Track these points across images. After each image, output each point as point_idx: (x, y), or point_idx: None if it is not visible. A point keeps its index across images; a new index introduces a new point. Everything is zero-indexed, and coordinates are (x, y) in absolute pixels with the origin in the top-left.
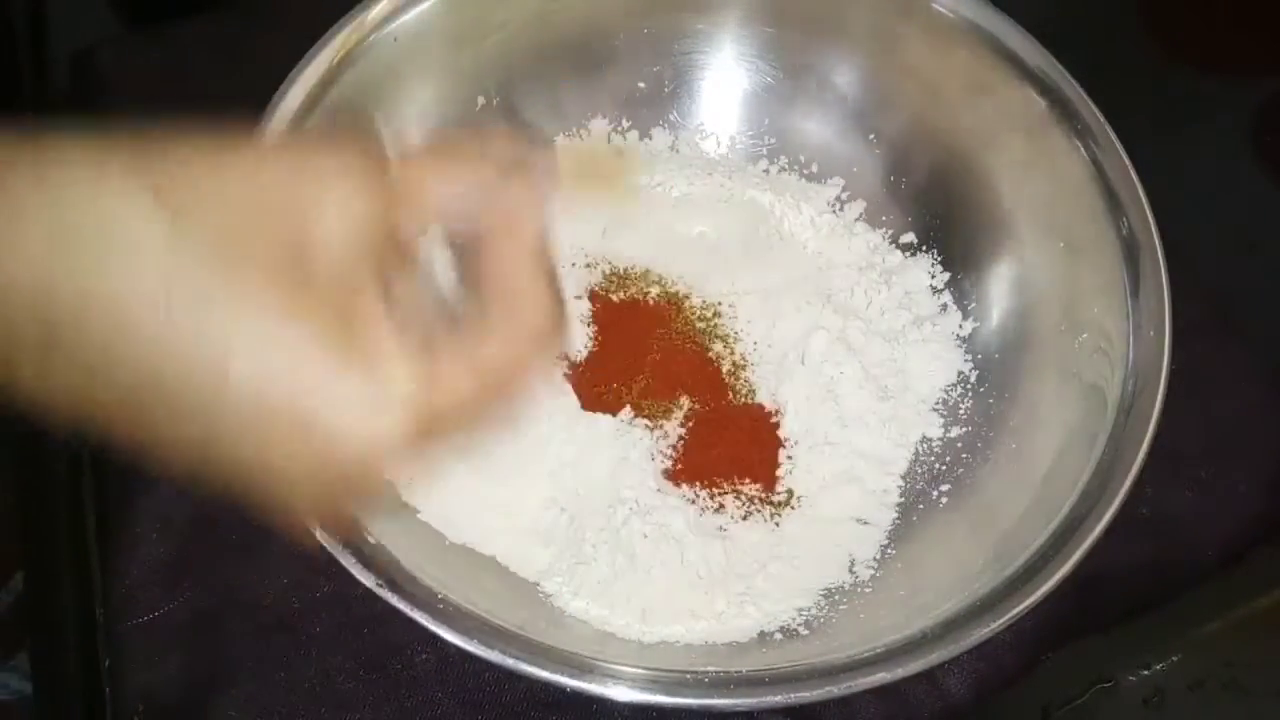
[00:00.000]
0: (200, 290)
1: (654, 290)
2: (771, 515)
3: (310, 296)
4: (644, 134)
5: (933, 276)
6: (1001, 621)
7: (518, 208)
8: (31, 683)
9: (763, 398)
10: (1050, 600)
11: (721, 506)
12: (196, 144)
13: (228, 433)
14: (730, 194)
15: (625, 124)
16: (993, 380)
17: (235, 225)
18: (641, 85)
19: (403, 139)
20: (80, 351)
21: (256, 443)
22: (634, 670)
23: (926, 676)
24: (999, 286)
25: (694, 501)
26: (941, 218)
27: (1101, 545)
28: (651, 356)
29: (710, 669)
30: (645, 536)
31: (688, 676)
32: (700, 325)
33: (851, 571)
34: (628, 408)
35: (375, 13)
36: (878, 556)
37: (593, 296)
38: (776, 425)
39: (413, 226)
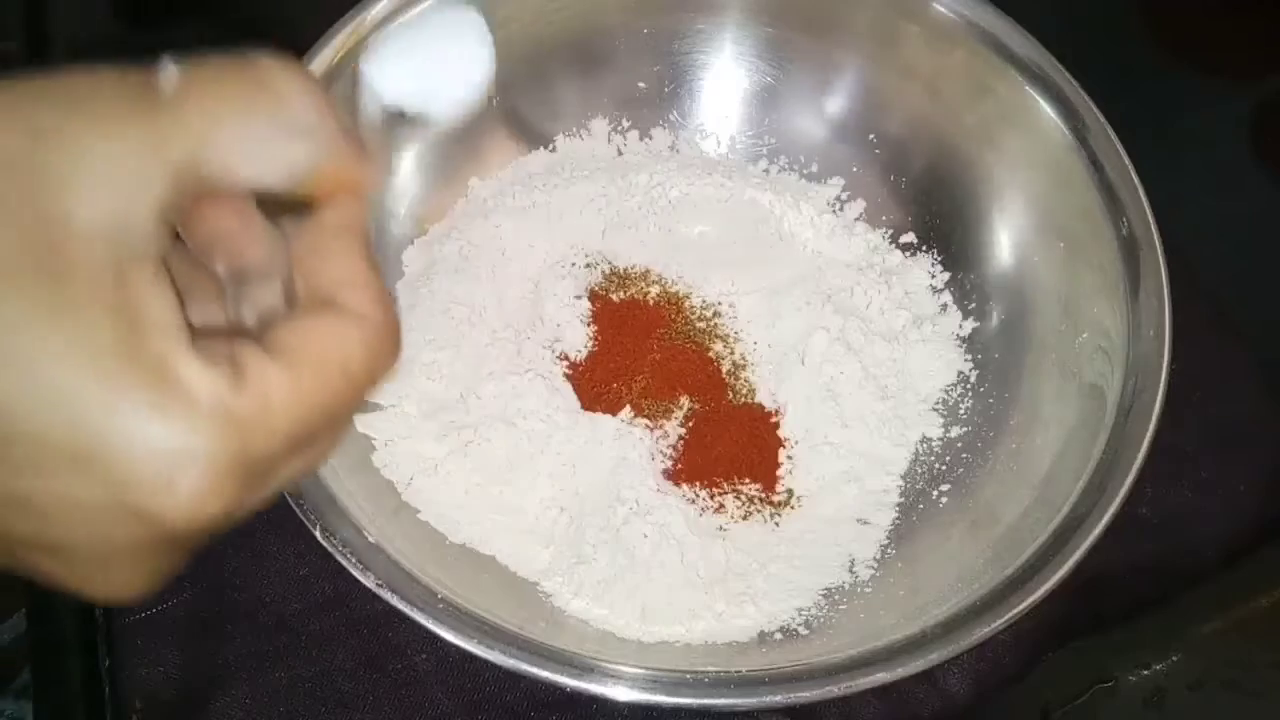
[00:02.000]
0: None
1: (654, 290)
2: (771, 515)
3: (72, 288)
4: (644, 134)
5: (933, 276)
6: (1001, 621)
7: (356, 172)
8: (31, 684)
9: (763, 398)
10: (1050, 600)
11: (721, 506)
12: None
13: None
14: (730, 194)
15: (625, 124)
16: (993, 380)
17: None
18: (641, 85)
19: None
20: None
21: (17, 495)
22: (634, 670)
23: (926, 676)
24: (999, 286)
25: (694, 501)
26: (941, 217)
27: (1101, 545)
28: (651, 356)
29: (710, 669)
30: (645, 536)
31: (688, 676)
32: (700, 325)
33: (851, 571)
34: (628, 408)
35: (375, 13)
36: (878, 556)
37: (593, 296)
38: (776, 425)
39: (203, 186)
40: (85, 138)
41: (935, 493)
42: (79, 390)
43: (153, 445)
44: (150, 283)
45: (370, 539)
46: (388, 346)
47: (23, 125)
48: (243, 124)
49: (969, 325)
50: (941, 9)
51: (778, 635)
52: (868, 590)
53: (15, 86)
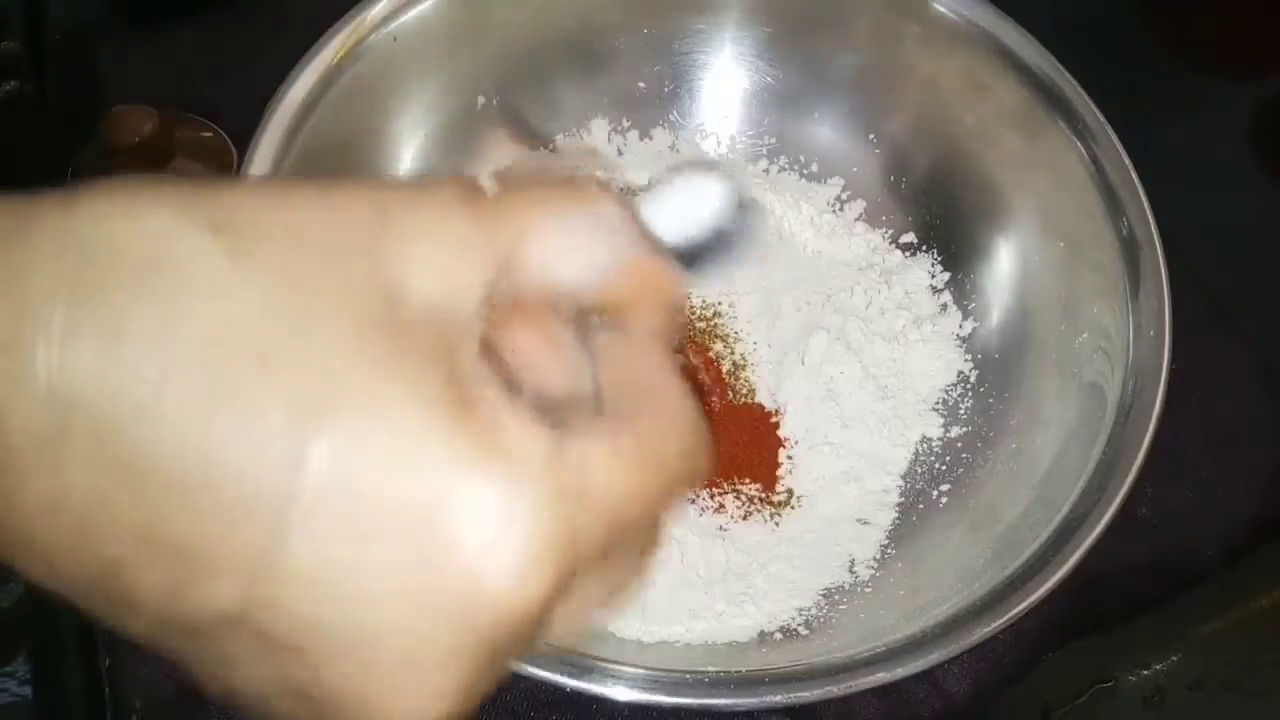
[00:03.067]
0: (268, 345)
1: None
2: (771, 515)
3: (407, 356)
4: (644, 134)
5: (933, 276)
6: (1001, 621)
7: (663, 278)
8: (31, 683)
9: (763, 398)
10: (1050, 600)
11: (721, 506)
12: (262, 181)
13: (304, 549)
14: None
15: (625, 124)
16: (993, 380)
17: (311, 264)
18: (641, 85)
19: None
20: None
21: (350, 565)
22: (634, 670)
23: (926, 676)
24: (999, 286)
25: (694, 501)
26: (941, 217)
27: (1101, 545)
28: None
29: (710, 669)
30: None
31: (688, 676)
32: (700, 325)
33: (851, 571)
34: None
35: (375, 13)
36: (878, 556)
37: None
38: (776, 425)
39: (521, 281)
40: (428, 220)
41: (935, 493)
42: (413, 450)
43: (478, 501)
44: (475, 360)
45: None
46: (702, 449)
47: (372, 205)
48: (561, 220)
49: (969, 325)
50: (941, 9)
51: (778, 635)
52: (868, 590)
53: (359, 178)
